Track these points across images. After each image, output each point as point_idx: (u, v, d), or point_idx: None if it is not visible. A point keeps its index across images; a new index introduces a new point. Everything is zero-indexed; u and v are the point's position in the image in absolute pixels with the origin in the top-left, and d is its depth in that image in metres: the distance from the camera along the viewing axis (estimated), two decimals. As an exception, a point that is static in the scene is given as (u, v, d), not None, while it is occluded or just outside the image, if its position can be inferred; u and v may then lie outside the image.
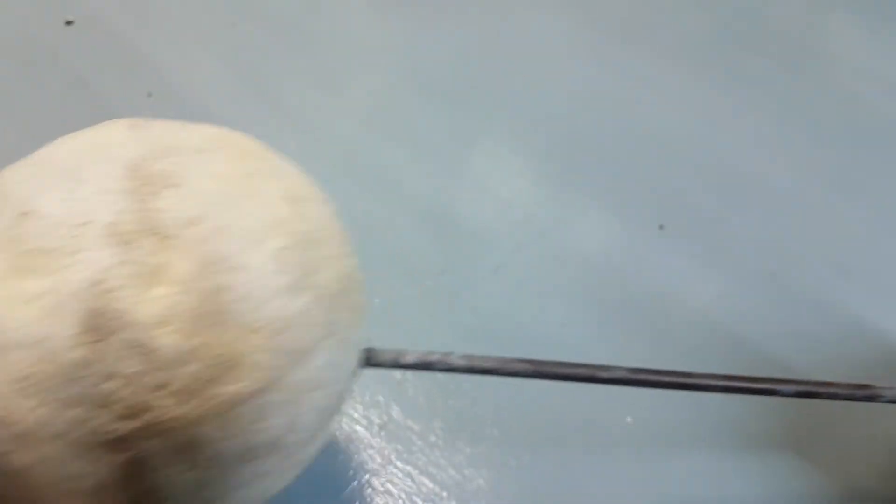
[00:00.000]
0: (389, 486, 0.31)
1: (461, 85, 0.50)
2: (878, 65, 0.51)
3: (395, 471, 0.31)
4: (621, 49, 0.53)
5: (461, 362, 0.25)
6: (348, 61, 0.52)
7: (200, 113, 0.47)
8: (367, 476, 0.31)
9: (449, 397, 0.34)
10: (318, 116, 0.47)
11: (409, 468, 0.32)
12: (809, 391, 0.25)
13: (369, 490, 0.31)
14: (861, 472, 0.32)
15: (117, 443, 0.18)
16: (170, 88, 0.49)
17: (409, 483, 0.31)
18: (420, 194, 0.43)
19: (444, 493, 0.31)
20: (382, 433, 0.33)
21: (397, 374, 0.35)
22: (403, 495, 0.31)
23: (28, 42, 0.53)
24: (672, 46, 0.53)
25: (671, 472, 0.32)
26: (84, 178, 0.21)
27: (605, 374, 0.25)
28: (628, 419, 0.33)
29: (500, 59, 0.52)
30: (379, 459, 0.32)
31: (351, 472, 0.31)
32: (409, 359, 0.25)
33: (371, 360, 0.25)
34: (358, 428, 0.33)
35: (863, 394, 0.25)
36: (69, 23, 0.54)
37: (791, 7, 0.56)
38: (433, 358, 0.25)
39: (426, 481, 0.31)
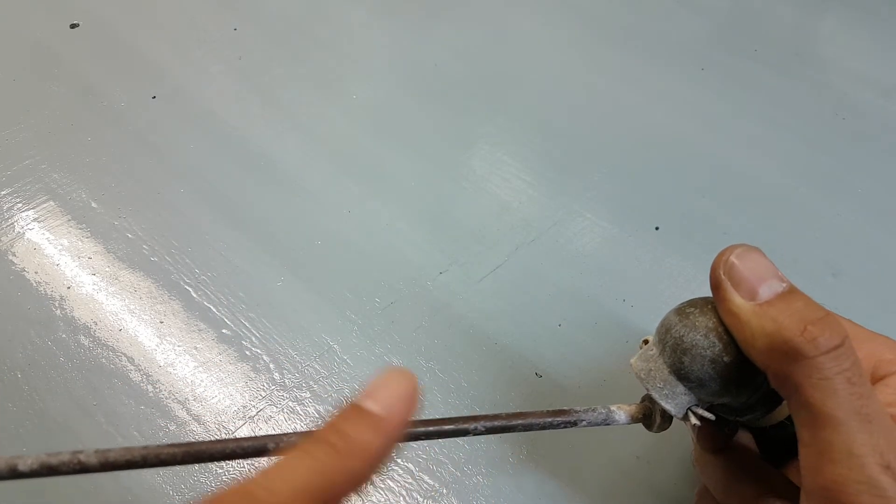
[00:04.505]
0: (390, 482, 0.32)
1: (461, 89, 0.50)
2: (868, 67, 0.52)
3: (395, 468, 0.32)
4: (618, 54, 0.53)
5: (93, 460, 0.21)
6: (349, 64, 0.52)
7: (204, 114, 0.48)
8: (368, 472, 0.32)
9: (448, 395, 0.34)
10: (319, 118, 0.48)
11: (409, 465, 0.32)
12: (502, 426, 0.23)
13: (370, 486, 0.31)
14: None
15: None
16: (174, 91, 0.50)
17: (410, 480, 0.32)
18: (420, 195, 0.43)
19: (444, 490, 0.31)
20: (383, 430, 0.33)
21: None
22: (404, 492, 0.31)
23: (33, 45, 0.53)
24: (667, 51, 0.53)
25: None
26: None
27: (273, 445, 0.21)
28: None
29: (499, 64, 0.52)
30: (380, 456, 0.32)
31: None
32: (29, 464, 0.20)
33: None
34: (359, 425, 0.33)
35: (561, 420, 0.24)
36: (74, 26, 0.55)
37: (782, 12, 0.57)
38: (58, 461, 0.20)
39: (426, 478, 0.32)
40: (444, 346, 0.36)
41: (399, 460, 0.32)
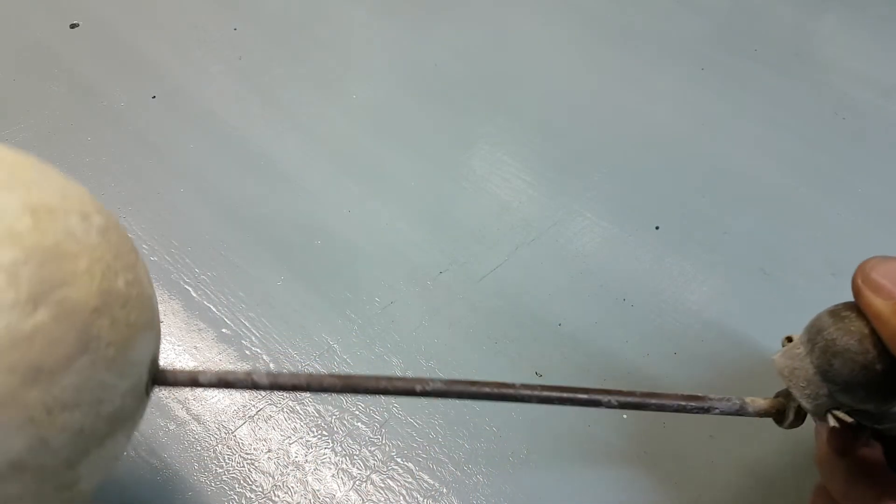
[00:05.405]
0: (390, 482, 0.32)
1: (461, 89, 0.50)
2: (868, 67, 0.52)
3: (395, 467, 0.32)
4: (617, 54, 0.53)
5: (265, 380, 0.23)
6: (349, 64, 0.52)
7: (204, 114, 0.48)
8: (367, 472, 0.32)
9: (448, 395, 0.34)
10: (319, 118, 0.48)
11: (409, 464, 0.32)
12: (635, 402, 0.23)
13: (370, 486, 0.31)
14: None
15: None
16: (174, 91, 0.50)
17: (409, 479, 0.32)
18: (420, 195, 0.43)
19: (444, 489, 0.31)
20: (384, 430, 0.33)
21: (398, 371, 0.35)
22: (404, 491, 0.31)
23: (33, 45, 0.53)
24: (667, 51, 0.53)
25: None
26: None
27: (420, 388, 0.23)
28: (623, 415, 0.34)
29: (499, 64, 0.52)
30: (380, 455, 0.32)
31: (352, 469, 0.32)
32: (208, 377, 0.23)
33: (160, 379, 0.23)
34: (359, 424, 0.33)
35: (694, 405, 0.23)
36: (74, 26, 0.55)
37: (782, 12, 0.57)
38: (234, 377, 0.23)
39: (426, 477, 0.32)
40: (444, 345, 0.36)
41: (399, 459, 0.32)
